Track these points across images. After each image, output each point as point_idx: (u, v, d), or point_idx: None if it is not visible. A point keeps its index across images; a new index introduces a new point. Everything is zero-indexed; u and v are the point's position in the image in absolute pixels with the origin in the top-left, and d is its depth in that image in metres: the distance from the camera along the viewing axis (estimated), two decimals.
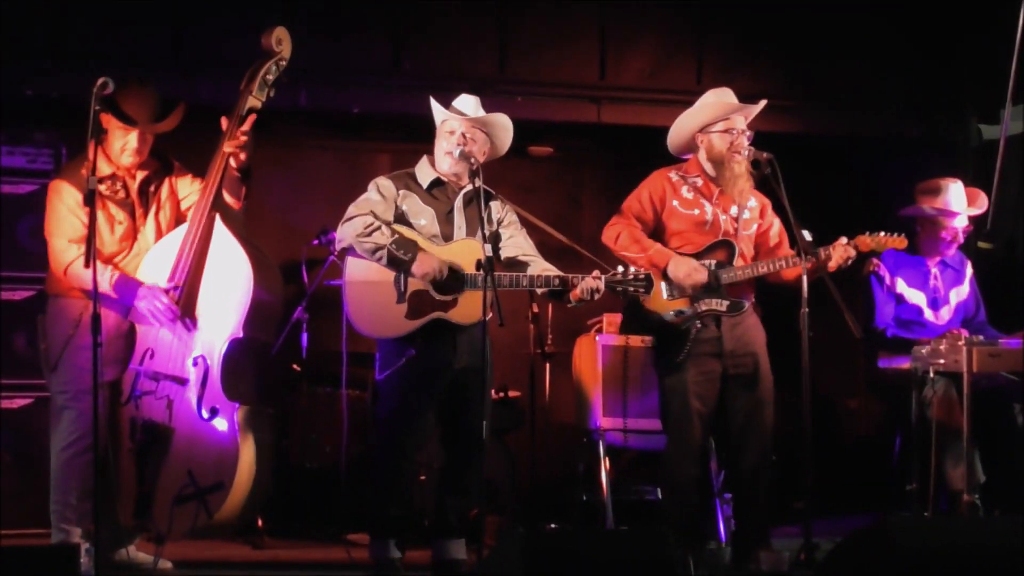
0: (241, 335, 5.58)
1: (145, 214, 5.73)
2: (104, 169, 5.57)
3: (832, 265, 5.72)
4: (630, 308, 5.96)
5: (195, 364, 5.58)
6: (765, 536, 5.85)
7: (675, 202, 5.91)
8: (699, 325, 5.79)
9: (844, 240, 5.75)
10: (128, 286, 5.57)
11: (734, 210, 5.92)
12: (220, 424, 5.52)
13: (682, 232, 5.90)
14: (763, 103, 5.95)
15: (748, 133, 5.89)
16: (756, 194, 6.00)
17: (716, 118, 5.90)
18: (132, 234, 5.71)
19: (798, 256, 5.65)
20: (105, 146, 5.59)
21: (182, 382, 5.57)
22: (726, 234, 5.88)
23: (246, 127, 5.59)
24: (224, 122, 5.65)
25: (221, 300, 5.61)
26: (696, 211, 5.90)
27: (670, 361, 5.84)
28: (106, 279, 5.49)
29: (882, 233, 5.85)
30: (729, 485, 6.13)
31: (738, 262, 5.85)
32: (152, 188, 5.76)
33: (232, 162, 5.62)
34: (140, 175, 5.73)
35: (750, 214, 5.97)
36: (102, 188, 5.53)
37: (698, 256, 5.83)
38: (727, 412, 5.87)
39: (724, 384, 5.84)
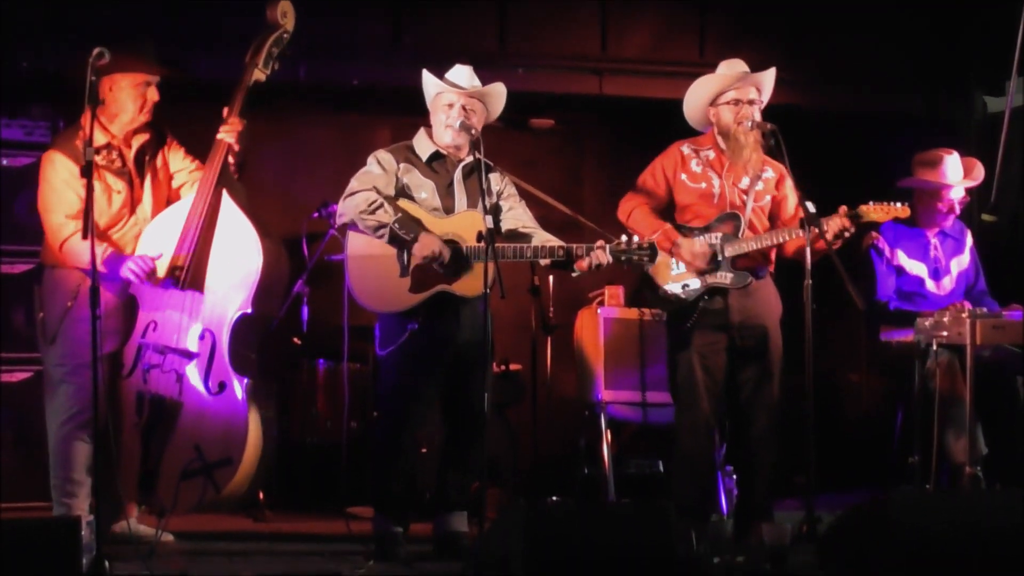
0: (250, 310, 5.58)
1: (142, 183, 5.71)
2: (99, 139, 5.52)
3: (828, 235, 5.65)
4: (640, 283, 5.98)
5: (202, 338, 5.57)
6: (767, 509, 5.84)
7: (683, 176, 5.92)
8: (706, 297, 5.79)
9: (845, 210, 5.71)
10: (120, 262, 5.54)
11: (745, 182, 5.89)
12: (229, 399, 5.51)
13: (691, 205, 5.90)
14: (771, 71, 5.91)
15: (759, 102, 5.86)
16: (773, 164, 5.96)
17: (722, 90, 5.88)
18: (130, 203, 5.68)
19: (801, 228, 5.63)
20: (101, 114, 5.55)
21: (190, 356, 5.56)
22: (733, 206, 5.86)
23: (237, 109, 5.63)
24: (225, 112, 5.69)
25: (231, 275, 5.59)
26: (703, 184, 5.89)
27: (677, 334, 5.86)
28: (98, 255, 5.43)
29: (886, 203, 5.81)
30: (733, 457, 6.12)
31: (747, 234, 5.82)
32: (147, 157, 5.74)
33: (230, 157, 5.63)
34: (136, 144, 5.70)
35: (764, 185, 5.93)
36: (98, 158, 5.49)
37: (706, 229, 5.82)
38: (734, 383, 5.86)
39: (731, 355, 5.83)
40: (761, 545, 5.07)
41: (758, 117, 5.84)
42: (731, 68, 5.94)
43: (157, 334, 5.60)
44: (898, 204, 5.80)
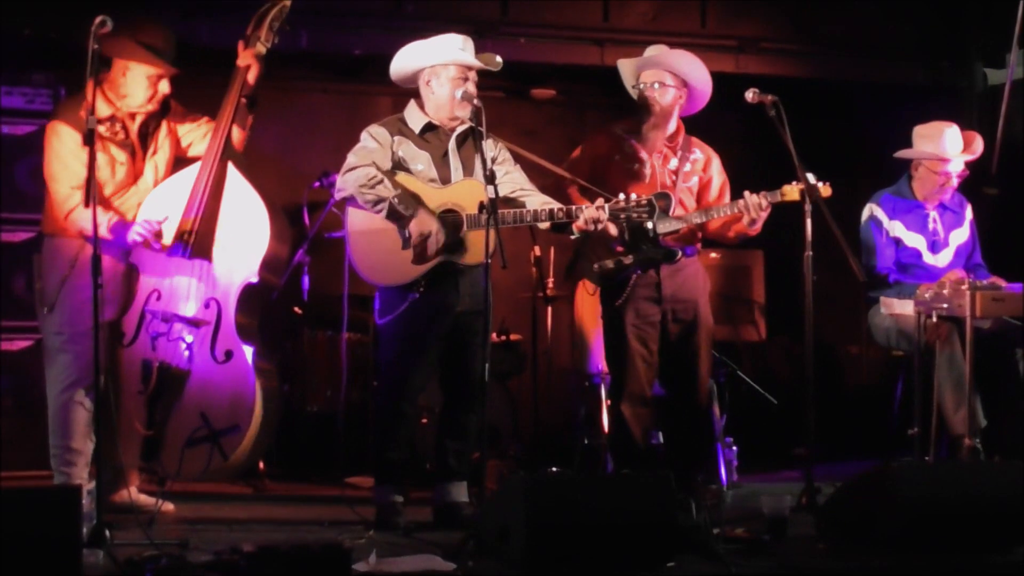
0: (256, 280, 5.59)
1: (144, 155, 5.70)
2: (103, 110, 5.53)
3: (746, 220, 5.87)
4: (573, 257, 6.20)
5: (207, 306, 5.57)
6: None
7: (617, 157, 6.10)
8: (639, 272, 5.97)
9: (751, 194, 5.85)
10: (126, 228, 5.54)
11: (673, 163, 6.09)
12: (236, 366, 5.52)
13: (623, 185, 5.99)
14: (677, 52, 6.05)
15: (674, 87, 6.00)
16: (702, 146, 6.20)
17: (634, 74, 6.09)
18: (132, 175, 5.68)
19: (802, 198, 5.74)
20: (106, 87, 5.56)
21: (197, 324, 5.56)
22: (663, 186, 6.05)
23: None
24: (240, 46, 5.70)
25: (239, 245, 5.60)
26: (636, 165, 6.08)
27: (611, 307, 6.04)
28: (104, 222, 5.44)
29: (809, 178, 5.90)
30: (667, 427, 6.30)
31: (677, 212, 6.01)
32: (150, 129, 5.73)
33: (250, 76, 5.63)
34: (140, 117, 5.69)
35: (691, 167, 6.14)
36: (101, 130, 5.49)
37: None
38: (669, 358, 6.09)
39: (664, 329, 6.05)
40: (759, 515, 5.09)
41: (667, 100, 5.99)
42: (652, 51, 6.12)
43: (162, 302, 5.60)
44: (821, 183, 5.86)
